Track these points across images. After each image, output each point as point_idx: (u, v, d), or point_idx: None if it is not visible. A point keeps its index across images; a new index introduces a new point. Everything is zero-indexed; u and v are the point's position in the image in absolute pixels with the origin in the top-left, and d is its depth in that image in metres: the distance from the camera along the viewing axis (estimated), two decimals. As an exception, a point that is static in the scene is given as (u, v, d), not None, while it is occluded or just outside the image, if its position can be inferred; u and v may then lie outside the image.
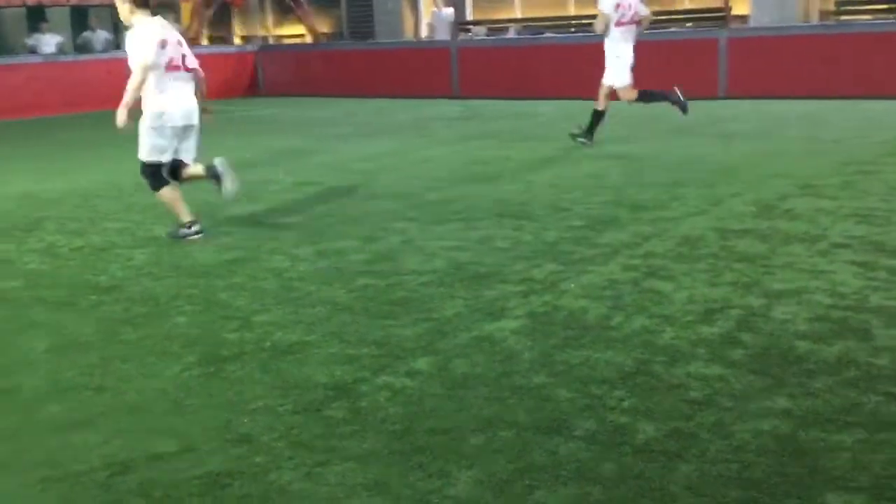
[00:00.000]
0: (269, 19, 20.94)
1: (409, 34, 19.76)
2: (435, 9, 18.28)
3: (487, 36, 18.63)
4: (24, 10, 18.43)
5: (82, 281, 5.10)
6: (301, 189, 7.81)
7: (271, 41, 21.00)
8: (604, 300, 4.39)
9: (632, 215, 6.24)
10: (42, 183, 8.56)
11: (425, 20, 19.79)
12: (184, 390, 3.49)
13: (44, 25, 17.50)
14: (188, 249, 5.74)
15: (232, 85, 18.66)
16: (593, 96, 9.59)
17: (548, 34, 17.48)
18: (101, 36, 18.12)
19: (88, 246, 5.94)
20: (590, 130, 9.62)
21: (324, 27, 20.74)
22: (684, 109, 9.54)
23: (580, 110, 9.72)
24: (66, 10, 19.53)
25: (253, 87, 19.14)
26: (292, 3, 19.97)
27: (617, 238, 5.61)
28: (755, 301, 4.28)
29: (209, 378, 3.61)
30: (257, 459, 2.90)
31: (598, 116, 9.58)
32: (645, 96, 9.63)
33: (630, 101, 9.72)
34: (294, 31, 21.39)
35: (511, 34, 18.26)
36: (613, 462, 2.79)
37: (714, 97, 13.79)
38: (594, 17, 9.70)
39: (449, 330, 4.06)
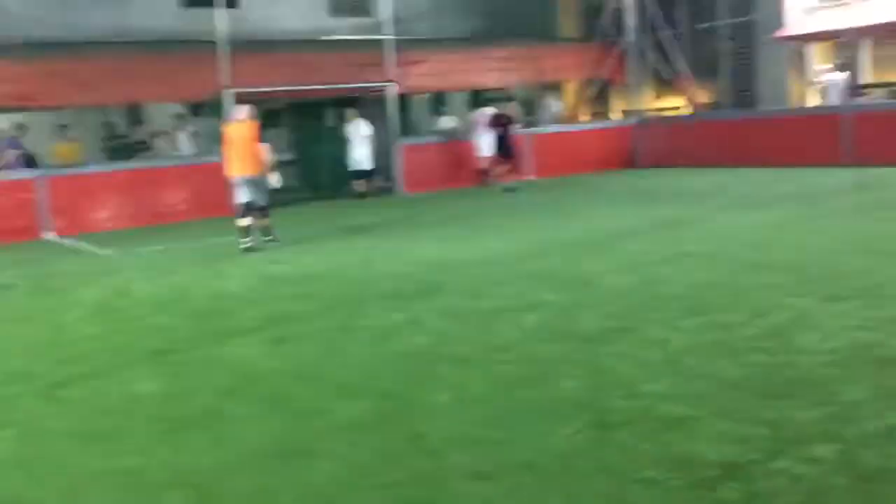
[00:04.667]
0: (648, 94, 21.22)
1: (794, 101, 18.81)
2: (827, 74, 17.25)
3: (888, 99, 17.09)
4: (427, 96, 20.72)
5: (480, 341, 5.52)
6: (682, 259, 7.73)
7: (649, 114, 21.23)
8: None
9: None
10: (444, 250, 9.44)
11: (813, 86, 18.71)
12: (575, 452, 3.61)
13: (443, 109, 19.51)
14: (573, 315, 5.96)
15: (609, 157, 19.17)
16: None
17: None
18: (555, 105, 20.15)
19: (485, 308, 6.42)
20: None
21: (703, 98, 20.50)
22: None
23: None
24: (464, 95, 21.60)
25: (629, 160, 19.45)
26: (672, 77, 20.06)
27: None
28: None
29: (597, 443, 3.70)
30: (650, 530, 2.89)
31: None
32: None
33: None
34: (672, 104, 21.43)
35: (918, 96, 16.58)
36: None
37: None
38: None
39: (854, 416, 3.73)
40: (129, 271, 9.49)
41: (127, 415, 4.57)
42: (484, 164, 17.60)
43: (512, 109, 16.90)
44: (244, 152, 10.69)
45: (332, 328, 6.19)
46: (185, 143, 16.87)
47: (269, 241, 10.96)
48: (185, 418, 4.44)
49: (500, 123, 16.35)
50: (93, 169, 14.70)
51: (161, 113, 17.71)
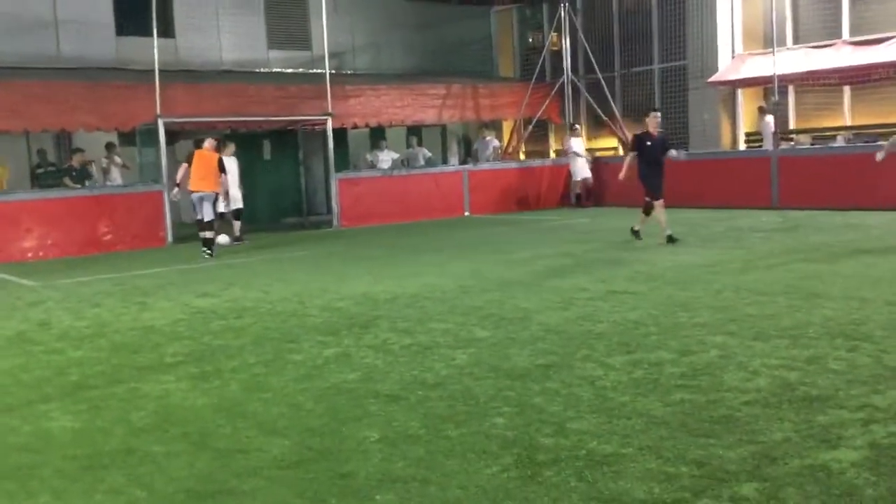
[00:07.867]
0: (584, 133, 21.58)
1: (725, 144, 19.34)
2: (762, 118, 17.78)
3: (812, 145, 17.69)
4: (367, 130, 20.70)
5: (411, 377, 5.45)
6: (614, 297, 7.80)
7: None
8: (965, 437, 3.85)
9: None
10: (378, 284, 9.36)
11: (743, 129, 19.27)
12: (502, 491, 3.56)
13: (383, 143, 19.48)
14: (506, 352, 5.94)
15: (547, 196, 19.43)
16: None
17: (882, 142, 16.19)
18: (423, 153, 19.92)
19: (416, 344, 6.36)
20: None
21: (636, 139, 20.98)
22: None
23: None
24: (403, 130, 21.63)
25: (566, 198, 19.71)
26: (606, 118, 20.47)
27: (978, 366, 4.93)
28: None
29: (526, 481, 3.65)
30: (575, 571, 2.85)
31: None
32: None
33: None
34: (608, 144, 21.84)
35: (839, 143, 17.18)
36: None
37: None
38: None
39: (778, 455, 3.77)
40: (52, 303, 9.18)
41: (39, 452, 4.37)
42: (578, 189, 19.03)
43: (654, 123, 11.95)
44: (206, 173, 12.80)
45: (258, 363, 6.05)
46: (115, 172, 16.54)
47: (207, 253, 12.71)
48: (101, 456, 4.26)
49: (645, 146, 11.78)
50: (18, 196, 14.26)
51: (93, 141, 17.32)
